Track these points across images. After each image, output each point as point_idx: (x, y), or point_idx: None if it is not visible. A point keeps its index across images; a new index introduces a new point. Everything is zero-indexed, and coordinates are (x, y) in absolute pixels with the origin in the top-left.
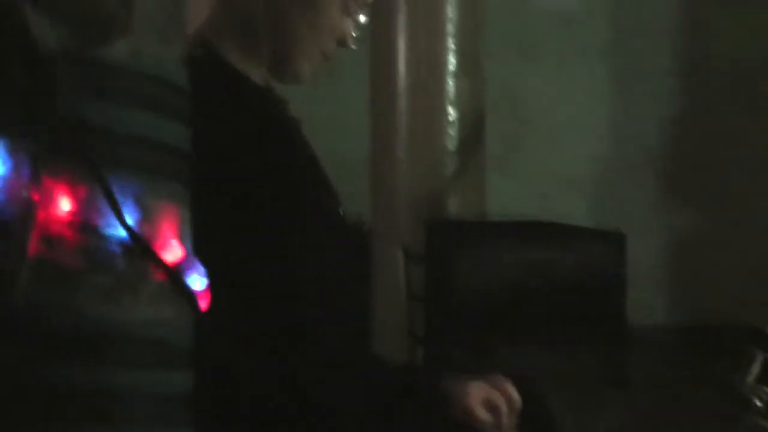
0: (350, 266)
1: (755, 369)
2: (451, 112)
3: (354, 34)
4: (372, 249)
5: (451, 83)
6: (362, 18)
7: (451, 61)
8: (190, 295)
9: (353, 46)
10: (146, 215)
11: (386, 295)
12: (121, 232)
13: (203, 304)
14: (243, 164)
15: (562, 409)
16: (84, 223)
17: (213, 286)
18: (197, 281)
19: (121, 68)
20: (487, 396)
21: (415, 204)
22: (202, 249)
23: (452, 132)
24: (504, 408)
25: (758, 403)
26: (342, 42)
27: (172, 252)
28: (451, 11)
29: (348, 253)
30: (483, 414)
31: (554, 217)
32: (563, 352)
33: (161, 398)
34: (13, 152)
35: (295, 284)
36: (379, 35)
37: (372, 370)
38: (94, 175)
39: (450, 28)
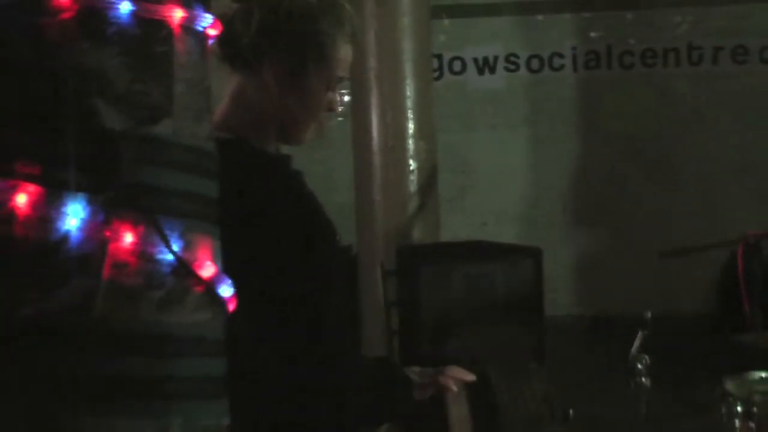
0: (345, 280)
1: (637, 343)
2: (412, 165)
3: (339, 102)
4: (358, 268)
5: (410, 143)
6: (346, 97)
7: (410, 127)
8: (221, 302)
9: (340, 117)
10: (187, 245)
11: (369, 302)
12: (170, 258)
13: (231, 307)
14: (263, 208)
15: (499, 378)
16: (143, 252)
17: (239, 294)
18: (226, 291)
19: (165, 141)
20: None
21: (389, 234)
22: (231, 268)
23: (413, 179)
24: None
25: (639, 367)
26: (331, 109)
27: (207, 270)
28: (408, 91)
29: (344, 270)
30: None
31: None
32: (498, 337)
33: (202, 379)
34: (91, 204)
35: (308, 293)
36: (358, 110)
37: (363, 360)
38: (149, 218)
39: (408, 103)
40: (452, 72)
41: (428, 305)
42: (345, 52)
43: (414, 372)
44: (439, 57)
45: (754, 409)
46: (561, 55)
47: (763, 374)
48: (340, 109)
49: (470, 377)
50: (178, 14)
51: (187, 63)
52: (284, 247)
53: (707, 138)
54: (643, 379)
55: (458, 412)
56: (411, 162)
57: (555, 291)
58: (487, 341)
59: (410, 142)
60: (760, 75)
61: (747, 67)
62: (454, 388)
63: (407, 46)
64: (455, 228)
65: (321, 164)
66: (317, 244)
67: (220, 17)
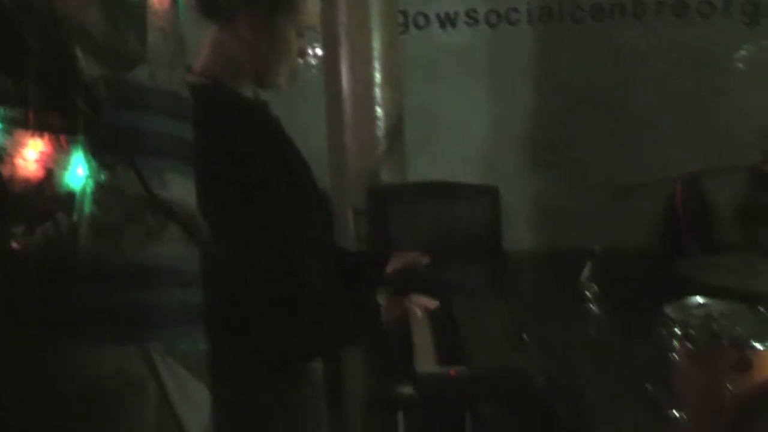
0: (322, 218)
1: (586, 272)
2: (379, 112)
3: (313, 54)
4: (332, 208)
5: (377, 91)
6: (318, 51)
7: (377, 77)
8: (197, 237)
9: (313, 69)
10: (164, 184)
11: (341, 239)
12: (148, 196)
13: (207, 243)
14: (242, 147)
15: (460, 306)
16: (122, 191)
17: (214, 230)
18: (203, 227)
19: (141, 86)
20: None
21: (359, 176)
22: (210, 207)
23: (380, 125)
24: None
25: (588, 295)
26: (301, 54)
27: (183, 208)
28: (375, 43)
29: (320, 209)
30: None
31: None
32: (461, 270)
33: (180, 307)
34: (72, 146)
35: (286, 230)
36: (329, 62)
37: (335, 285)
38: (127, 159)
39: (375, 54)
40: (417, 26)
41: (396, 242)
42: (313, 1)
43: (382, 298)
44: (405, 13)
45: (692, 332)
46: (517, 11)
47: (700, 300)
48: (312, 60)
49: (433, 304)
50: None
51: (160, 12)
52: (263, 186)
53: (652, 85)
54: (591, 306)
55: (421, 336)
56: (378, 109)
57: (513, 227)
58: (450, 272)
59: (377, 90)
60: (697, 27)
61: (686, 20)
62: (419, 313)
63: (374, 2)
64: (421, 171)
65: (295, 112)
66: (294, 183)
67: None
